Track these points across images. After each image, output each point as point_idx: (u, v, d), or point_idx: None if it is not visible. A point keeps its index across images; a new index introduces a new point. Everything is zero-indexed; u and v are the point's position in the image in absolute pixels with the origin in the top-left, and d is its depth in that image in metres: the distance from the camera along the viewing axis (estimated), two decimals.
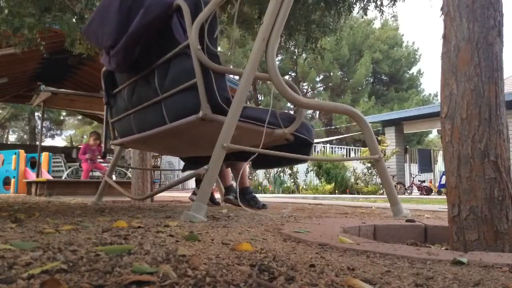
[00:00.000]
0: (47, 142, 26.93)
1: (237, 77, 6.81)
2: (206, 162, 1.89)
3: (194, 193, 3.56)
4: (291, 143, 2.48)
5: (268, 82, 2.26)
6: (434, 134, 22.94)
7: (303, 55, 7.08)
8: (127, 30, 2.16)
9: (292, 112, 2.58)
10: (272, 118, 2.28)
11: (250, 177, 11.13)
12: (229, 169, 3.44)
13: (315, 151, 13.71)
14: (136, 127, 2.59)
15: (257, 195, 3.43)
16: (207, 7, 1.99)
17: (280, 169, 11.81)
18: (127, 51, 2.23)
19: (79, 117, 24.04)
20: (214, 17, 2.03)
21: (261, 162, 2.63)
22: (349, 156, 15.14)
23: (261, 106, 21.20)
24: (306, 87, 23.82)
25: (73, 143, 24.53)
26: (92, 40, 2.78)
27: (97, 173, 8.22)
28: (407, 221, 2.02)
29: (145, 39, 2.18)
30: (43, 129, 16.16)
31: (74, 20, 3.74)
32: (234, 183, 3.60)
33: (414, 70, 24.69)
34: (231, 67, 2.67)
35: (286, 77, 22.99)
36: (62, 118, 27.04)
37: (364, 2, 4.66)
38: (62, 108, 11.46)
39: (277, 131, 2.28)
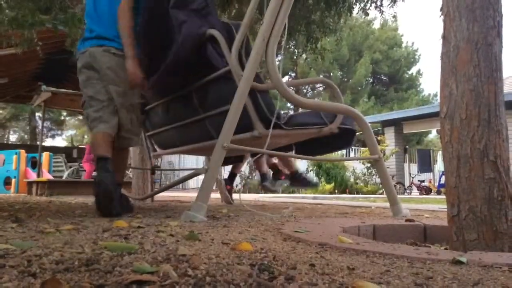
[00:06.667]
0: (48, 142, 26.91)
1: None
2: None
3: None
4: (335, 133, 2.56)
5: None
6: (433, 134, 22.90)
7: (303, 55, 7.08)
8: (159, 64, 2.25)
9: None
10: (317, 118, 2.43)
11: (249, 177, 11.13)
12: (263, 157, 3.51)
13: None
14: (179, 139, 2.76)
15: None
16: (240, 32, 2.08)
17: None
18: (166, 81, 2.35)
19: (80, 117, 24.01)
20: (247, 39, 2.14)
21: (305, 151, 2.82)
22: (349, 156, 15.11)
23: None
24: (306, 87, 23.81)
25: (74, 143, 24.52)
26: None
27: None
28: (406, 220, 2.02)
29: (182, 69, 2.28)
30: (44, 129, 16.13)
31: (74, 20, 3.74)
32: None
33: (413, 70, 24.65)
34: None
35: (286, 77, 22.99)
36: (62, 118, 27.02)
37: (364, 3, 4.66)
38: (62, 108, 11.42)
39: (324, 129, 2.44)
